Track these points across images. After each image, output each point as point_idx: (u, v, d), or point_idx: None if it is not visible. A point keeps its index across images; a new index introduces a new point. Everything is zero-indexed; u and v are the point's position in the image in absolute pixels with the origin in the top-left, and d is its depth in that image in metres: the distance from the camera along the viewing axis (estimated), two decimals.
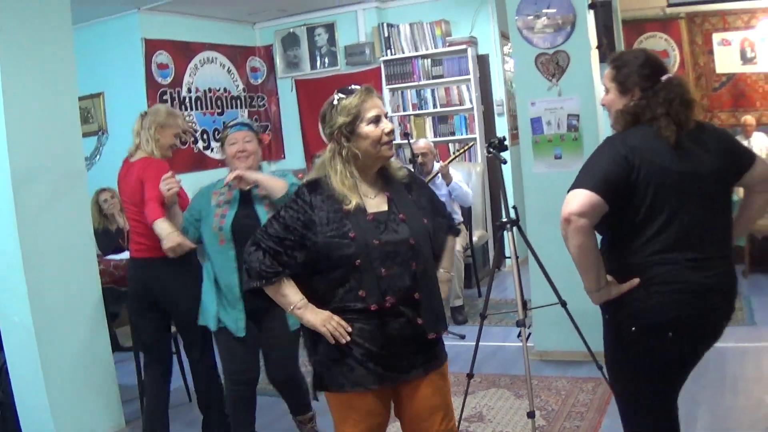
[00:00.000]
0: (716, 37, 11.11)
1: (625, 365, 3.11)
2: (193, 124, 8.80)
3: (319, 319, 2.94)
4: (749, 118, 10.22)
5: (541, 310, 5.37)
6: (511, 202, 4.61)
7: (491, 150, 4.30)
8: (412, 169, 6.67)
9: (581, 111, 5.65)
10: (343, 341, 2.91)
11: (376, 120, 2.95)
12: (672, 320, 2.90)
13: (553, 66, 5.67)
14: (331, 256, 2.91)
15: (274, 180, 4.12)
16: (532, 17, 5.70)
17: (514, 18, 5.77)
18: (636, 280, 2.93)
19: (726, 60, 11.15)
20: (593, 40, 5.82)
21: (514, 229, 4.46)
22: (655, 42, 11.23)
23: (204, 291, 4.32)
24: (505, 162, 4.31)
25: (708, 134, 3.04)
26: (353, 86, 3.00)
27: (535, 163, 5.84)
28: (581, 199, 2.86)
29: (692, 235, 2.90)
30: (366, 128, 2.93)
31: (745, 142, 9.78)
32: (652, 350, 2.97)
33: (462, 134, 9.05)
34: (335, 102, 2.98)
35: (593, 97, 5.65)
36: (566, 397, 5.21)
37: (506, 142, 4.50)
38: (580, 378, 5.46)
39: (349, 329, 2.92)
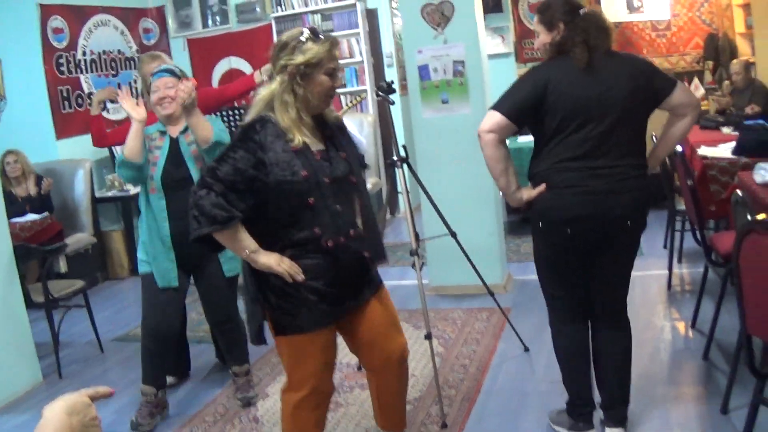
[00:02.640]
0: None
1: (540, 252, 3.71)
2: (90, 86, 8.80)
3: (272, 260, 2.96)
4: None
5: (434, 248, 5.68)
6: (401, 143, 4.85)
7: (380, 93, 4.50)
8: None
9: (466, 57, 5.92)
10: (300, 278, 2.95)
11: (333, 72, 3.03)
12: (572, 218, 3.44)
13: (439, 15, 5.93)
14: (283, 196, 2.94)
15: (203, 121, 4.14)
16: None
17: None
18: (542, 187, 3.47)
19: (613, 8, 11.49)
20: None
21: (404, 166, 4.65)
22: None
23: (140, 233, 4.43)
24: (392, 103, 4.51)
25: (623, 61, 3.48)
26: (323, 33, 3.04)
27: (424, 109, 6.09)
28: (492, 119, 3.45)
29: (594, 147, 3.37)
30: (322, 77, 2.99)
31: None
32: (556, 242, 3.55)
33: (353, 86, 9.24)
34: (302, 38, 2.98)
35: (477, 43, 5.93)
36: (462, 326, 5.54)
37: (394, 86, 4.74)
38: (475, 308, 5.80)
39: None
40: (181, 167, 4.25)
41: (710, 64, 10.93)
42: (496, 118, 3.45)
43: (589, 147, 3.39)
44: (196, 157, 4.25)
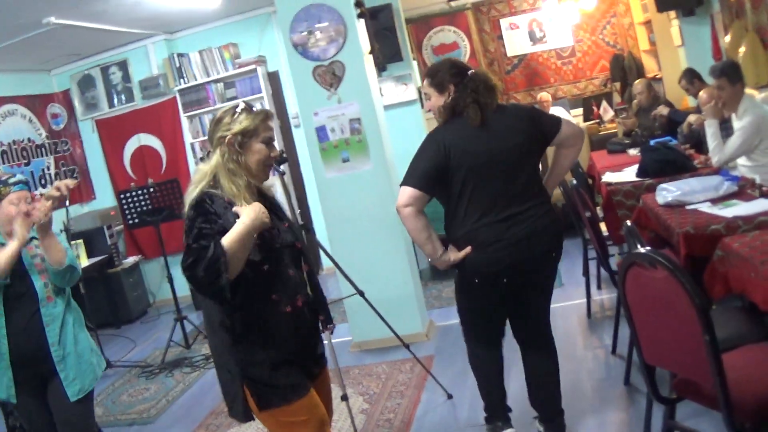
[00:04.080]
0: (504, 23, 11.75)
1: (469, 304, 3.99)
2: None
3: (253, 211, 2.89)
4: (545, 95, 10.81)
5: (354, 305, 5.69)
6: (318, 207, 4.89)
7: None
8: None
9: (362, 114, 6.01)
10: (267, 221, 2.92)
11: (269, 142, 3.11)
12: (504, 268, 3.72)
13: (330, 76, 6.01)
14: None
15: (57, 242, 3.98)
16: (305, 33, 6.02)
17: (288, 35, 6.07)
18: (468, 249, 3.73)
19: (516, 43, 11.75)
20: (365, 47, 6.18)
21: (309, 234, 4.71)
22: (444, 35, 11.68)
23: None
24: (283, 173, 4.56)
25: (510, 113, 3.79)
26: (257, 106, 3.15)
27: (326, 169, 6.13)
28: (405, 193, 3.68)
29: (502, 198, 3.68)
30: (258, 145, 3.06)
31: None
32: (489, 293, 3.84)
33: None
34: (238, 110, 3.07)
35: (371, 99, 6.02)
36: (386, 380, 5.57)
37: (284, 155, 4.78)
38: (398, 361, 5.82)
39: None
40: (24, 280, 3.93)
41: (618, 85, 11.14)
42: (408, 192, 3.68)
43: (498, 199, 3.67)
44: (40, 270, 3.98)
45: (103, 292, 8.91)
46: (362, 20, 6.23)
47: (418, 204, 3.69)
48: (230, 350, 3.04)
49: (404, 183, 3.72)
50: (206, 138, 9.12)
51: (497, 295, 3.86)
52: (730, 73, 5.52)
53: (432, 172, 3.69)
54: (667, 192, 4.75)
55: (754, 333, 3.44)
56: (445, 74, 3.79)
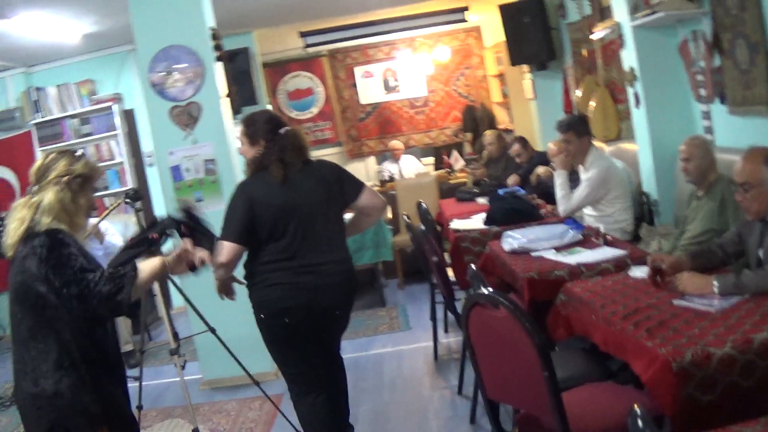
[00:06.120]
0: (358, 71, 11.94)
1: (266, 338, 4.12)
2: None
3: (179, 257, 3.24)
4: (396, 143, 11.03)
5: (205, 342, 5.68)
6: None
7: (127, 201, 4.62)
8: None
9: (216, 155, 6.10)
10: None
11: (95, 192, 3.28)
12: (285, 309, 3.92)
13: (187, 116, 6.06)
14: None
15: None
16: (164, 73, 6.06)
17: (146, 75, 6.10)
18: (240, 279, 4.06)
19: (370, 91, 11.95)
20: (222, 90, 6.26)
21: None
22: (299, 81, 11.81)
23: None
24: (140, 210, 4.59)
25: (316, 170, 4.04)
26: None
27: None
28: (227, 250, 3.85)
29: (301, 248, 3.92)
30: (90, 193, 3.21)
31: (395, 165, 10.59)
32: (276, 329, 4.00)
33: (116, 188, 9.09)
34: (79, 153, 3.20)
35: (225, 141, 6.12)
36: (236, 417, 5.63)
37: (138, 192, 4.81)
38: (248, 398, 5.87)
39: None
40: None
41: (469, 135, 11.43)
42: (229, 248, 3.87)
43: (296, 249, 3.91)
44: None
45: None
46: (220, 63, 6.30)
47: (237, 258, 3.94)
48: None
49: (224, 238, 3.89)
50: None
51: (284, 335, 4.02)
52: (577, 127, 5.77)
53: (246, 226, 3.90)
54: (513, 239, 4.94)
55: (596, 372, 3.63)
56: (259, 128, 4.01)
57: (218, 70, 6.22)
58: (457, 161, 10.90)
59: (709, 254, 3.85)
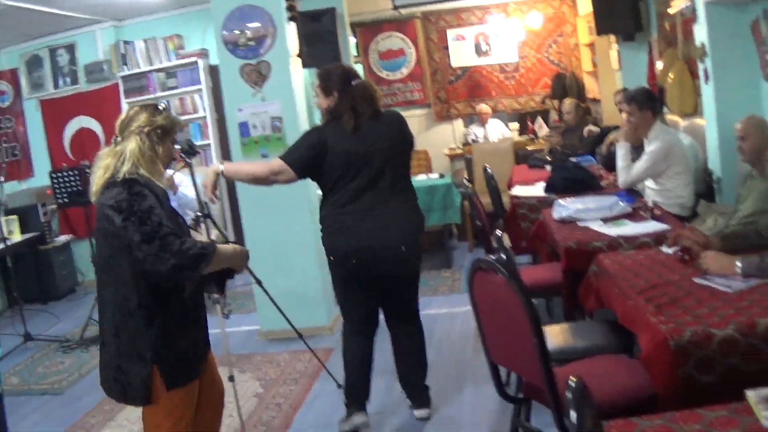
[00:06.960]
0: (451, 33, 11.85)
1: (334, 278, 4.55)
2: None
3: (243, 252, 3.41)
4: (484, 107, 11.04)
5: (263, 293, 5.87)
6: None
7: (182, 155, 4.74)
8: None
9: (283, 114, 6.27)
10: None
11: (174, 143, 3.45)
12: (353, 251, 4.24)
13: (256, 74, 6.25)
14: None
15: None
16: (237, 32, 6.25)
17: (220, 32, 6.30)
18: None
19: (461, 54, 11.91)
20: (293, 50, 6.42)
21: (208, 220, 4.85)
22: (391, 42, 11.84)
23: None
24: (191, 164, 4.72)
25: (384, 120, 4.31)
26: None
27: None
28: (278, 165, 4.26)
29: (366, 193, 4.22)
30: (168, 144, 3.37)
31: (481, 129, 10.64)
32: (344, 271, 4.35)
33: (198, 141, 9.25)
34: (161, 107, 3.35)
35: (293, 100, 6.28)
36: (285, 368, 5.85)
37: (195, 148, 4.96)
38: (299, 351, 6.02)
39: None
40: None
41: (556, 102, 11.32)
42: (280, 165, 4.25)
43: (361, 193, 4.18)
44: None
45: (32, 268, 9.03)
46: (293, 23, 6.45)
47: (283, 176, 4.27)
48: (145, 333, 3.10)
49: (282, 157, 4.29)
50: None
51: (351, 275, 4.36)
52: (639, 100, 5.70)
53: (306, 159, 4.24)
54: (563, 208, 4.98)
55: (614, 344, 3.63)
56: (334, 81, 4.26)
57: (290, 30, 6.38)
58: (541, 128, 10.85)
59: (743, 237, 3.78)
